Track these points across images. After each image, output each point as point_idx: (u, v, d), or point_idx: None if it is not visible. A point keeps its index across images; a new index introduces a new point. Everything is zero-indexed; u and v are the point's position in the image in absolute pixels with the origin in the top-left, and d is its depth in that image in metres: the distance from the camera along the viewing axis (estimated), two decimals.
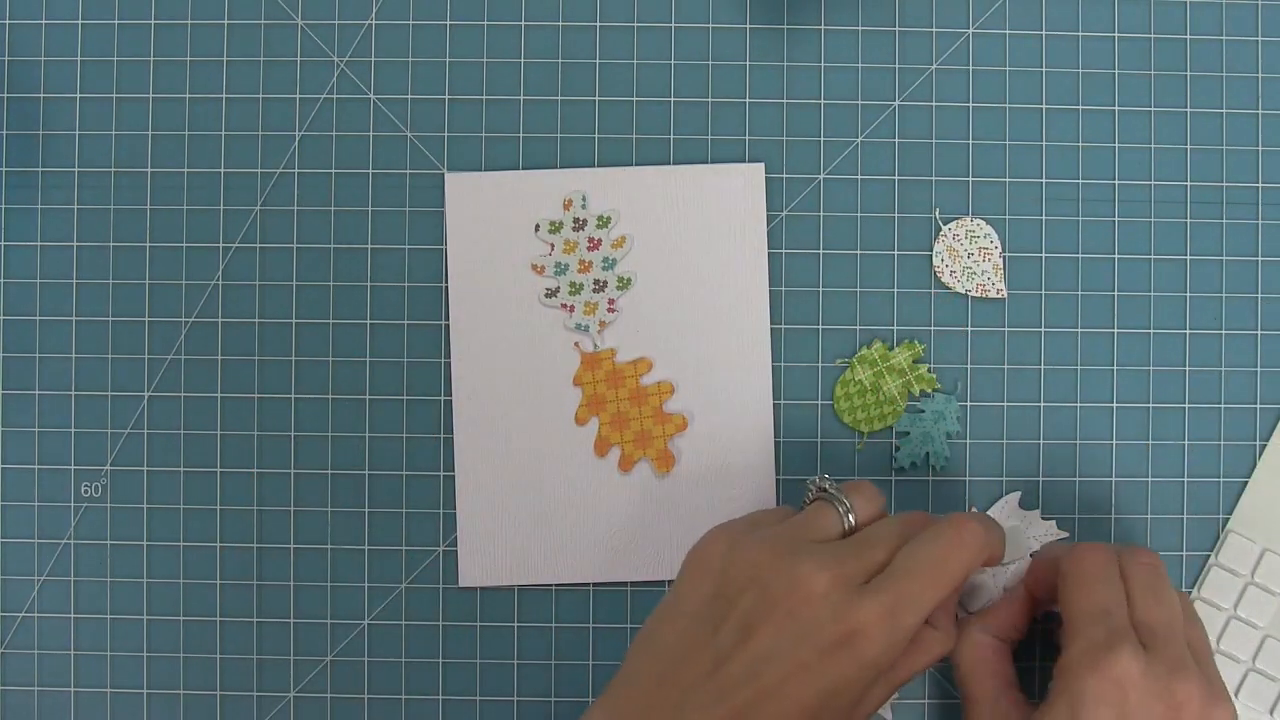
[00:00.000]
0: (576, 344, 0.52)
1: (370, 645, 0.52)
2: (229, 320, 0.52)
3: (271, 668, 0.52)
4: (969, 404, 0.52)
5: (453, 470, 0.52)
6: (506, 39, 0.52)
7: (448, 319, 0.52)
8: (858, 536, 0.43)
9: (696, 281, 0.52)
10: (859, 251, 0.52)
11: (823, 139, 0.52)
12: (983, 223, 0.52)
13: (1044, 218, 0.52)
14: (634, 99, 0.52)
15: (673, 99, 0.52)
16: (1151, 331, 0.52)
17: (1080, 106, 0.52)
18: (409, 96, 0.52)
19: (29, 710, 0.52)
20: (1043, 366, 0.52)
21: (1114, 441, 0.52)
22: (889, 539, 0.43)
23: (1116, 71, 0.53)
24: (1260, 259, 0.52)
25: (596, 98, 0.52)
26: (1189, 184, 0.52)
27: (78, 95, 0.52)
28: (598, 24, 0.53)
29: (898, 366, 0.52)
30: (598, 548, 0.52)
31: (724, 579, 0.41)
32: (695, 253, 0.52)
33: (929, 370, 0.52)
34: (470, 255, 0.52)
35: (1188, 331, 0.52)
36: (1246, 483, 0.52)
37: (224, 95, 0.52)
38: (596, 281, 0.52)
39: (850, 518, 0.44)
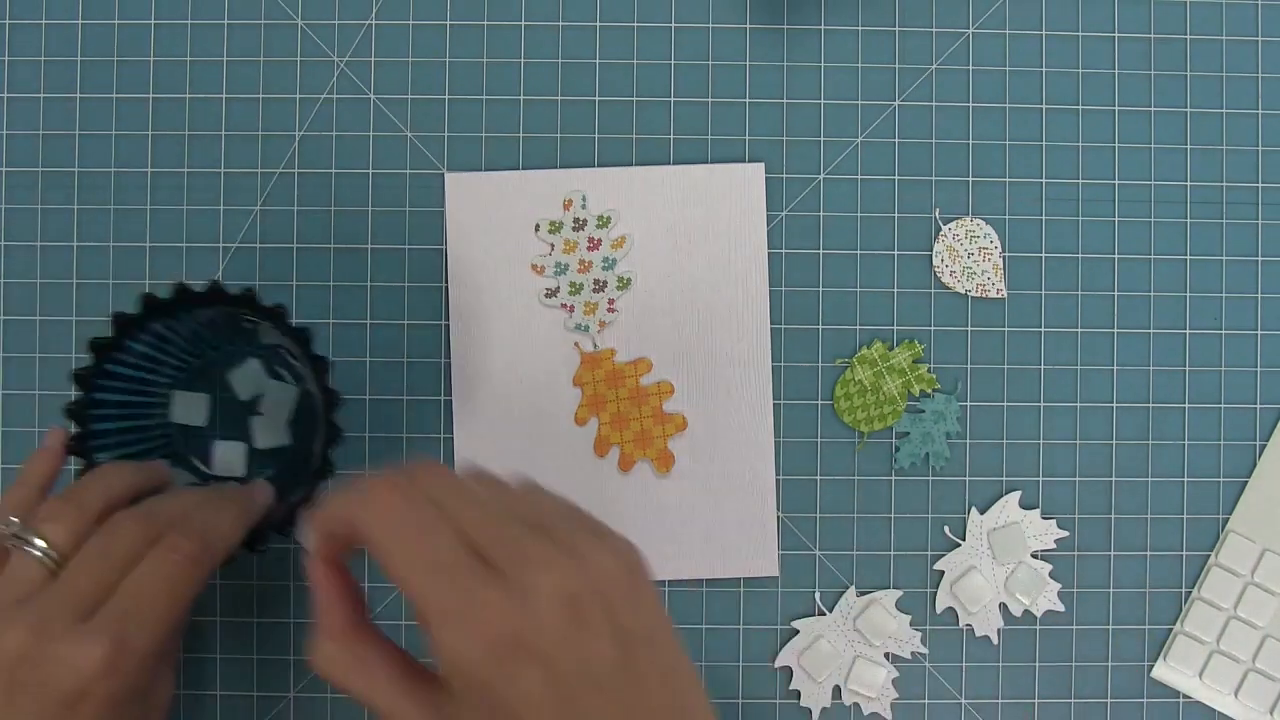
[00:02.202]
0: (576, 344, 0.52)
1: None
2: None
3: (271, 668, 0.52)
4: (969, 404, 0.52)
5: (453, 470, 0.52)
6: (506, 39, 0.52)
7: (448, 319, 0.52)
8: (64, 575, 0.40)
9: (696, 281, 0.52)
10: (859, 251, 0.52)
11: (823, 139, 0.52)
12: (983, 223, 0.52)
13: (1044, 218, 0.52)
14: (634, 99, 0.52)
15: (673, 99, 0.52)
16: (1151, 331, 0.52)
17: (1080, 106, 0.52)
18: (409, 96, 0.52)
19: None
20: (1043, 366, 0.52)
21: (1114, 441, 0.52)
22: (96, 564, 0.40)
23: (1116, 71, 0.53)
24: (1260, 259, 0.52)
25: (596, 98, 0.52)
26: (1189, 184, 0.52)
27: (78, 95, 0.52)
28: (598, 24, 0.52)
29: (898, 366, 0.52)
30: None
31: None
32: (695, 253, 0.52)
33: (929, 370, 0.52)
34: (470, 255, 0.52)
35: (1188, 331, 0.52)
36: (1246, 483, 0.52)
37: (224, 95, 0.52)
38: (596, 281, 0.52)
39: (50, 554, 0.40)
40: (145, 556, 0.40)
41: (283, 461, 0.52)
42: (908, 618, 0.52)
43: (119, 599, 0.39)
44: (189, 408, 0.51)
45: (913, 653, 0.52)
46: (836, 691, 0.51)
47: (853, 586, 0.52)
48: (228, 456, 0.51)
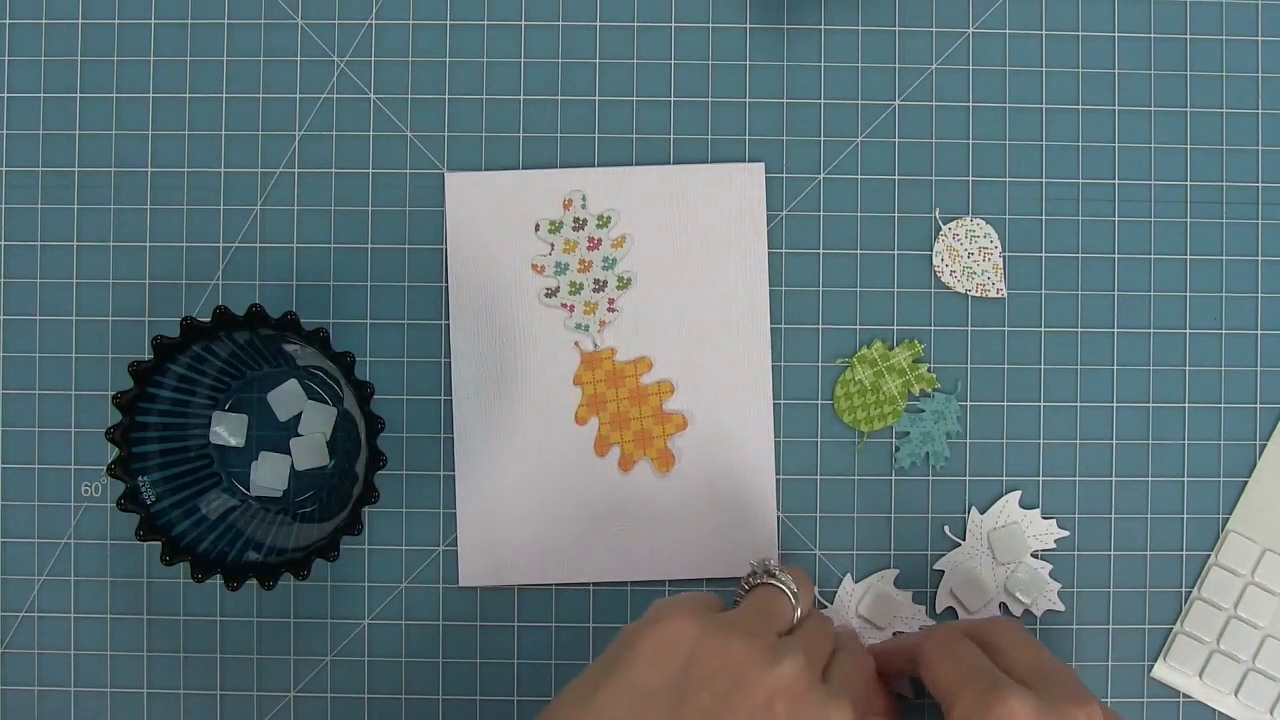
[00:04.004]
0: (576, 344, 0.52)
1: (370, 645, 0.52)
2: None
3: (271, 668, 0.52)
4: (969, 404, 0.52)
5: (453, 470, 0.52)
6: (506, 39, 0.52)
7: (448, 319, 0.52)
8: (809, 634, 0.43)
9: (696, 281, 0.52)
10: (859, 251, 0.52)
11: (823, 139, 0.52)
12: (983, 223, 0.52)
13: (1044, 218, 0.52)
14: (634, 99, 0.52)
15: (673, 99, 0.52)
16: (1151, 331, 0.52)
17: (1080, 106, 0.52)
18: (409, 96, 0.52)
19: (29, 710, 0.52)
20: (1043, 366, 0.52)
21: (1114, 441, 0.52)
22: (825, 629, 0.45)
23: (1116, 71, 0.53)
24: (1260, 259, 0.52)
25: (596, 98, 0.52)
26: (1189, 184, 0.52)
27: (78, 95, 0.52)
28: (598, 24, 0.53)
29: (898, 366, 0.52)
30: (598, 548, 0.52)
31: (691, 664, 0.40)
32: (695, 253, 0.52)
33: (929, 370, 0.52)
34: (470, 255, 0.52)
35: (1188, 331, 0.52)
36: (1246, 483, 0.52)
37: (224, 95, 0.52)
38: (596, 281, 0.52)
39: (799, 606, 0.44)
40: (838, 651, 0.45)
41: (322, 482, 0.52)
42: (909, 593, 0.52)
43: (851, 679, 0.43)
44: (228, 429, 0.51)
45: (921, 627, 0.51)
46: None
47: (849, 574, 0.52)
48: (268, 474, 0.51)
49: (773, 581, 0.44)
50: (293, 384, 0.52)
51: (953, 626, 0.47)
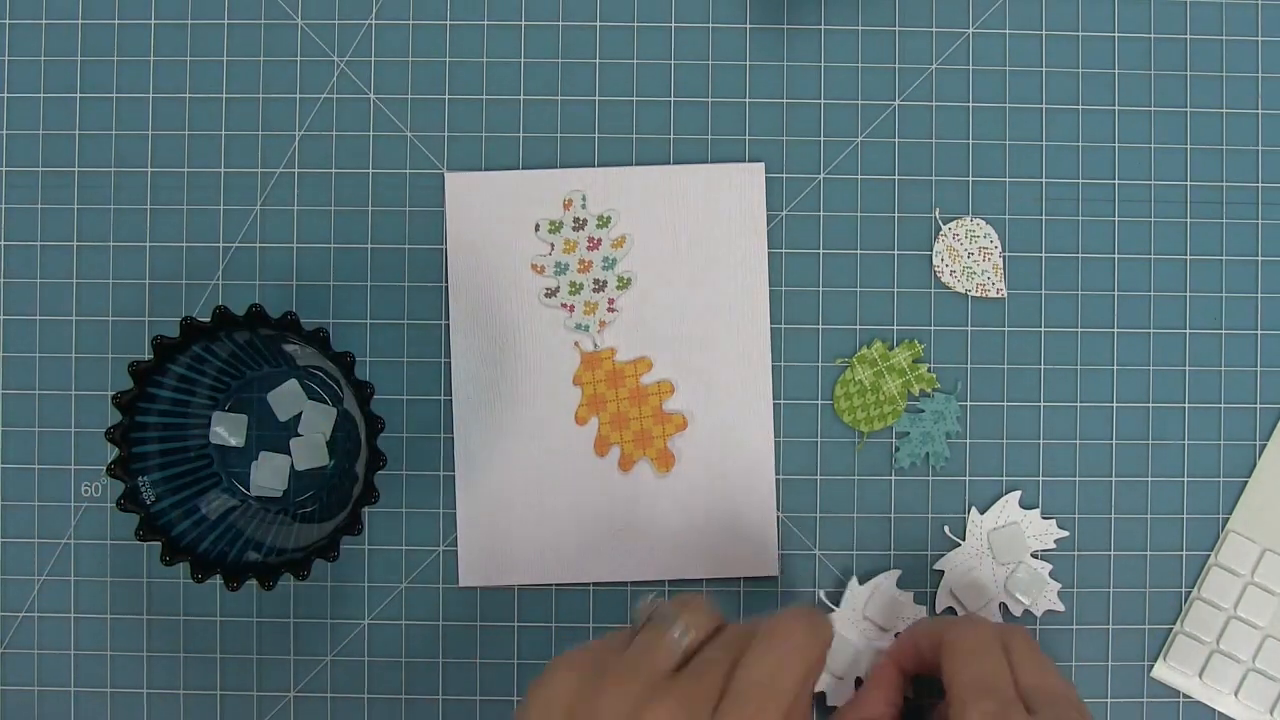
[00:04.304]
0: (576, 344, 0.52)
1: (370, 645, 0.52)
2: None
3: (271, 668, 0.52)
4: (969, 404, 0.52)
5: (453, 470, 0.52)
6: (506, 39, 0.53)
7: (448, 319, 0.52)
8: (695, 665, 0.42)
9: (696, 281, 0.52)
10: (859, 251, 0.52)
11: (823, 139, 0.52)
12: (983, 222, 0.52)
13: (1044, 218, 0.52)
14: (634, 99, 0.52)
15: (673, 99, 0.52)
16: (1151, 331, 0.52)
17: (1080, 106, 0.52)
18: (409, 96, 0.52)
19: (29, 710, 0.52)
20: (1043, 366, 0.52)
21: (1114, 441, 0.52)
22: (723, 660, 0.42)
23: (1116, 71, 0.53)
24: (1260, 259, 0.52)
25: (596, 98, 0.52)
26: (1189, 184, 0.52)
27: (78, 95, 0.52)
28: (598, 24, 0.53)
29: (898, 366, 0.52)
30: (598, 548, 0.52)
31: (571, 717, 0.40)
32: (695, 253, 0.52)
33: (929, 370, 0.52)
34: (470, 255, 0.52)
35: (1188, 331, 0.52)
36: (1246, 483, 0.52)
37: (224, 95, 0.52)
38: (596, 281, 0.52)
39: (684, 639, 0.42)
40: (760, 652, 0.41)
41: (322, 482, 0.52)
42: (910, 594, 0.51)
43: (738, 703, 0.40)
44: (228, 429, 0.51)
45: None
46: (858, 684, 0.51)
47: (854, 576, 0.52)
48: (268, 474, 0.51)
49: (655, 620, 0.43)
50: (293, 384, 0.52)
51: (987, 624, 0.46)
